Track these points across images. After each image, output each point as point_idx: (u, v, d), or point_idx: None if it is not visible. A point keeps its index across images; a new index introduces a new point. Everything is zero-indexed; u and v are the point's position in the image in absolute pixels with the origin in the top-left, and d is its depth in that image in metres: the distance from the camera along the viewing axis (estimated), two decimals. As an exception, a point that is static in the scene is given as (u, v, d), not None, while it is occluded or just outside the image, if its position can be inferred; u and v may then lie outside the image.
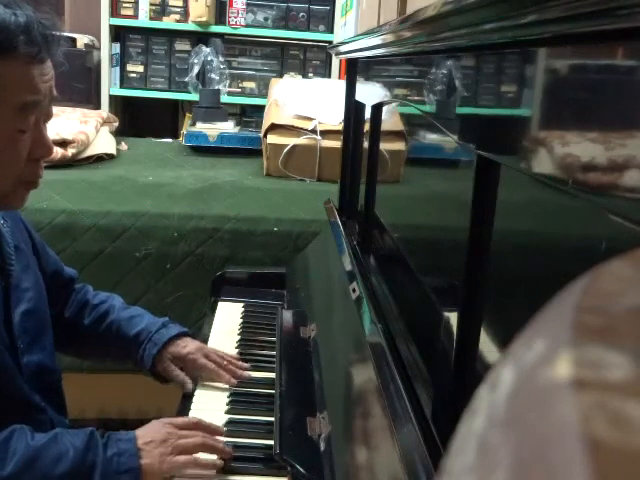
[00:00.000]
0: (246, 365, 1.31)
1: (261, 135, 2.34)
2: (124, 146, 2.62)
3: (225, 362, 1.28)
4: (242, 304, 1.64)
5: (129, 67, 3.42)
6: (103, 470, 0.94)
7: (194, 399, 1.21)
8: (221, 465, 1.02)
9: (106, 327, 1.30)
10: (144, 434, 1.01)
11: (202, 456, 1.02)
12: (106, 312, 1.31)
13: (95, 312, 1.31)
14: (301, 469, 0.94)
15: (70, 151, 2.14)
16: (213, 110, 2.67)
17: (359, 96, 1.66)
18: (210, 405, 1.20)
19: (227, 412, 1.17)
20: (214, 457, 1.03)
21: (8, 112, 0.93)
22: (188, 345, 1.28)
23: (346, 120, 1.77)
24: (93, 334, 1.30)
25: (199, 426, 1.06)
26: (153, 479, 0.98)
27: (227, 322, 1.55)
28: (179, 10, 3.35)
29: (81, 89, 3.22)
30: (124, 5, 3.33)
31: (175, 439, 1.00)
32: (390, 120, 1.38)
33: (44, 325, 1.15)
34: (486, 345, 0.68)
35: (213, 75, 2.68)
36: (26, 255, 1.15)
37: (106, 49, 3.34)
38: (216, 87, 2.69)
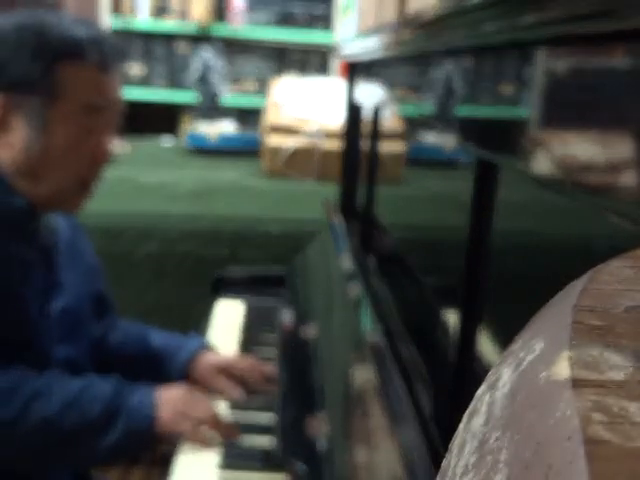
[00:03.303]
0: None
1: (261, 136, 2.34)
2: (124, 146, 2.61)
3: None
4: (242, 304, 1.64)
5: (129, 67, 3.42)
6: (128, 413, 1.03)
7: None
8: (219, 442, 1.06)
9: (133, 342, 1.30)
10: (167, 391, 1.09)
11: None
12: (136, 330, 1.32)
13: (123, 329, 1.31)
14: (301, 468, 0.94)
15: (70, 151, 2.13)
16: (213, 110, 2.67)
17: (359, 97, 1.65)
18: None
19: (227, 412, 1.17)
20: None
21: (76, 112, 1.01)
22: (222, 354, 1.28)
23: (346, 121, 1.76)
24: (121, 351, 1.29)
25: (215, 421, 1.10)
26: (163, 431, 1.05)
27: (227, 322, 1.55)
28: (179, 10, 3.35)
29: (81, 89, 3.22)
30: (124, 5, 3.34)
31: (191, 409, 1.07)
32: (390, 121, 1.38)
33: (79, 324, 1.16)
34: (486, 345, 0.68)
35: (213, 75, 2.68)
36: (75, 255, 1.17)
37: (106, 49, 3.34)
38: (216, 87, 2.69)
